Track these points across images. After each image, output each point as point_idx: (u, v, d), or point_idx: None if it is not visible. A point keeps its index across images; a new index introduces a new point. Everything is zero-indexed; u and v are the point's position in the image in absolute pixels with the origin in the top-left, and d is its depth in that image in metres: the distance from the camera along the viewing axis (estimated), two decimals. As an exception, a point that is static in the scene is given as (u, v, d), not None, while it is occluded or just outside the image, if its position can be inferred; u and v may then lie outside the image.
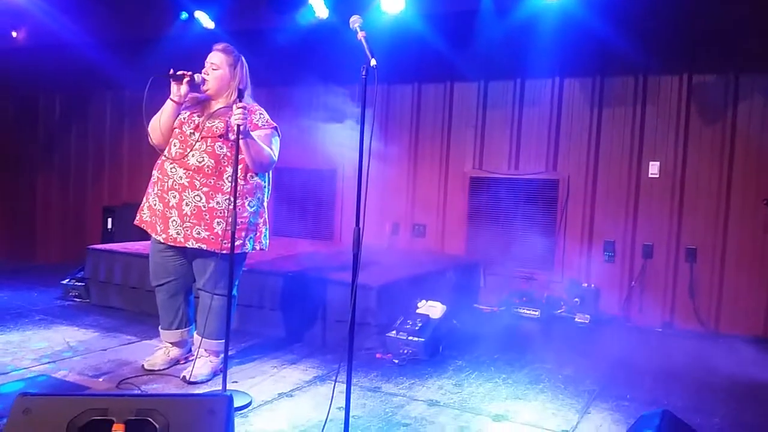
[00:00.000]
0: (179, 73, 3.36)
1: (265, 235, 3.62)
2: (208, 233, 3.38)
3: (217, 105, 3.49)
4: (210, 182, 3.38)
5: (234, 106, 3.17)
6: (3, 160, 8.49)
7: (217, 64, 3.45)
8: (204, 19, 6.24)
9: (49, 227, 8.48)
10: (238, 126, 3.12)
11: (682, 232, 5.36)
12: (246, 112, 3.16)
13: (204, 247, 3.39)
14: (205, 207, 3.38)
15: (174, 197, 3.40)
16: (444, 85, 6.32)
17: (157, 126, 3.46)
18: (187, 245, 3.41)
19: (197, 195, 3.38)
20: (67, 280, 5.53)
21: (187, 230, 3.38)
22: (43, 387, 3.34)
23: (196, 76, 3.40)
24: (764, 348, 4.73)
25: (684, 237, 5.36)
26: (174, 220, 3.40)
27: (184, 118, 3.45)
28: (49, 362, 3.74)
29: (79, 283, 5.43)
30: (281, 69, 6.60)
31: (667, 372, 4.10)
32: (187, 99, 3.47)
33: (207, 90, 3.46)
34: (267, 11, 5.98)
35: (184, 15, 6.34)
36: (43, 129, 8.51)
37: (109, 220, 7.30)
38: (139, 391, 3.31)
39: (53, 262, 7.80)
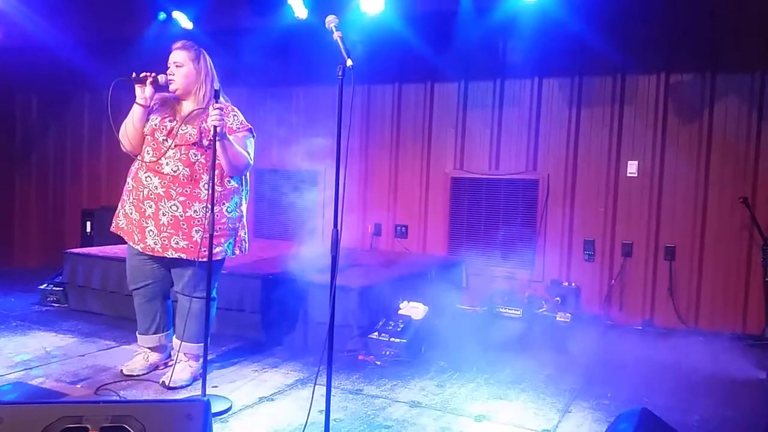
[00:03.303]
0: (141, 75, 3.32)
1: (244, 239, 3.60)
2: (186, 242, 3.34)
3: (187, 105, 3.44)
4: (186, 191, 3.34)
5: (210, 107, 3.14)
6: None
7: (180, 61, 3.39)
8: (182, 20, 6.18)
9: (26, 231, 8.35)
10: (215, 127, 3.08)
11: (660, 230, 5.41)
12: (222, 112, 3.12)
13: (183, 256, 3.36)
14: (182, 216, 3.34)
15: (150, 207, 3.36)
16: (424, 86, 6.32)
17: (126, 132, 3.42)
18: (165, 255, 3.37)
19: (174, 205, 3.33)
20: (45, 284, 5.45)
21: (165, 240, 3.35)
22: (19, 394, 3.29)
23: (159, 77, 3.34)
24: (743, 345, 4.79)
25: (663, 235, 5.40)
26: (151, 230, 3.36)
27: (155, 124, 3.39)
28: (25, 369, 3.68)
29: (57, 288, 5.36)
30: (261, 69, 6.56)
31: (648, 370, 4.13)
32: (154, 100, 3.43)
33: (175, 90, 3.41)
34: (246, 11, 5.94)
35: (162, 15, 6.27)
36: (21, 131, 8.38)
37: (88, 223, 7.21)
38: (117, 397, 3.27)
39: (31, 267, 7.69)
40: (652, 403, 3.38)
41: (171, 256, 3.36)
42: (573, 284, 5.61)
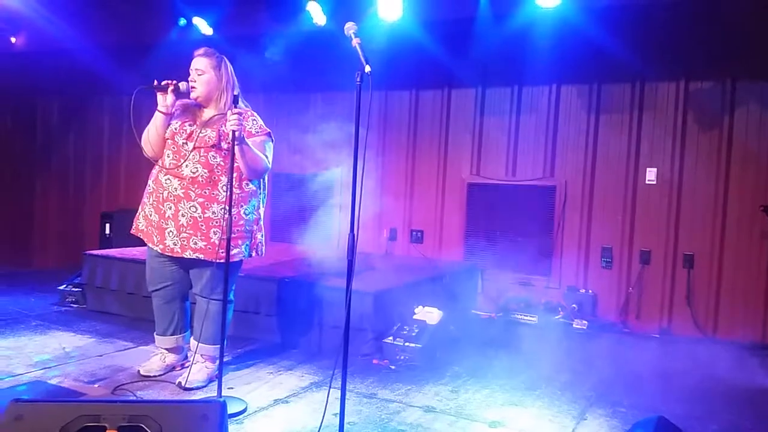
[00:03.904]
0: (163, 83, 3.36)
1: (261, 242, 3.62)
2: (204, 243, 3.38)
3: (209, 111, 3.48)
4: (205, 192, 3.37)
5: (229, 112, 3.17)
6: (1, 166, 8.50)
7: (201, 69, 3.43)
8: (202, 26, 6.25)
9: (46, 232, 8.47)
10: (233, 132, 3.11)
11: (679, 238, 5.36)
12: (240, 117, 3.15)
13: (201, 257, 3.39)
14: (201, 217, 3.37)
15: (170, 208, 3.40)
16: (441, 92, 6.33)
17: (148, 139, 3.46)
18: (184, 255, 3.40)
19: (193, 206, 3.37)
20: (64, 285, 5.53)
21: (184, 241, 3.38)
22: (37, 393, 3.33)
23: (181, 84, 3.38)
24: (762, 354, 4.73)
25: (681, 243, 5.36)
26: (170, 231, 3.39)
27: (176, 128, 3.43)
28: (44, 368, 3.73)
29: (76, 289, 5.43)
30: (279, 75, 6.61)
31: (665, 378, 4.09)
32: (176, 107, 3.47)
33: (197, 97, 3.45)
34: (265, 18, 5.99)
35: (183, 21, 6.34)
36: (41, 134, 8.51)
37: (107, 225, 7.29)
38: (133, 397, 3.30)
39: (50, 268, 7.79)
40: (668, 411, 3.34)
41: (189, 257, 3.40)
42: (590, 291, 5.59)
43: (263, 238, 3.64)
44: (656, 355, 4.70)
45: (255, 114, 3.52)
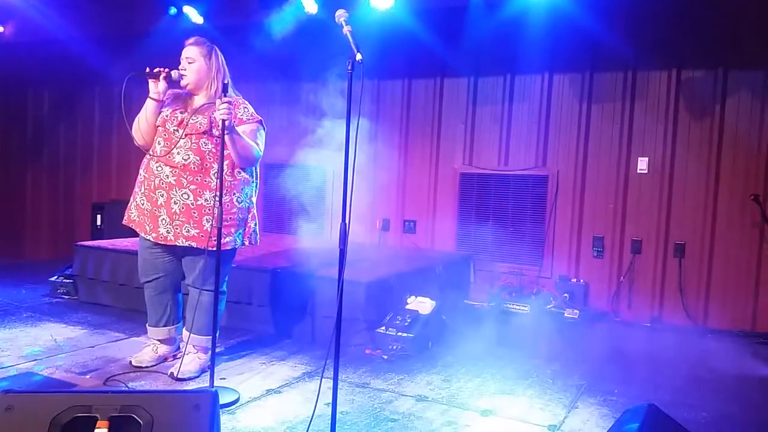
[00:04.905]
0: (155, 70, 3.36)
1: (254, 230, 3.61)
2: (197, 231, 3.37)
3: (199, 100, 3.48)
4: (197, 180, 3.37)
5: (218, 101, 3.16)
6: (-9, 157, 8.45)
7: (192, 57, 3.43)
8: (193, 15, 6.20)
9: (37, 224, 8.42)
10: (223, 121, 3.10)
11: (670, 227, 5.38)
12: (230, 106, 3.14)
13: (194, 245, 3.38)
14: (193, 205, 3.36)
15: (162, 196, 3.39)
16: (434, 81, 6.31)
17: (138, 127, 3.45)
18: (177, 243, 3.40)
19: (185, 193, 3.36)
20: (56, 277, 5.50)
21: (177, 228, 3.37)
22: (29, 384, 3.33)
23: (173, 72, 3.38)
24: (752, 342, 4.76)
25: (673, 232, 5.38)
26: (163, 219, 3.39)
27: (166, 116, 3.43)
28: (35, 360, 3.72)
29: (68, 280, 5.41)
30: (270, 65, 6.58)
31: (656, 367, 4.12)
32: (167, 96, 3.46)
33: (187, 85, 3.45)
34: (256, 7, 5.96)
35: (173, 10, 6.30)
36: (32, 125, 8.44)
37: (98, 216, 7.25)
38: (125, 388, 3.30)
39: (42, 259, 7.75)
40: (659, 399, 3.37)
41: (182, 245, 3.39)
42: (581, 281, 5.61)
43: (257, 227, 3.64)
44: (647, 344, 4.73)
45: (246, 102, 3.52)
